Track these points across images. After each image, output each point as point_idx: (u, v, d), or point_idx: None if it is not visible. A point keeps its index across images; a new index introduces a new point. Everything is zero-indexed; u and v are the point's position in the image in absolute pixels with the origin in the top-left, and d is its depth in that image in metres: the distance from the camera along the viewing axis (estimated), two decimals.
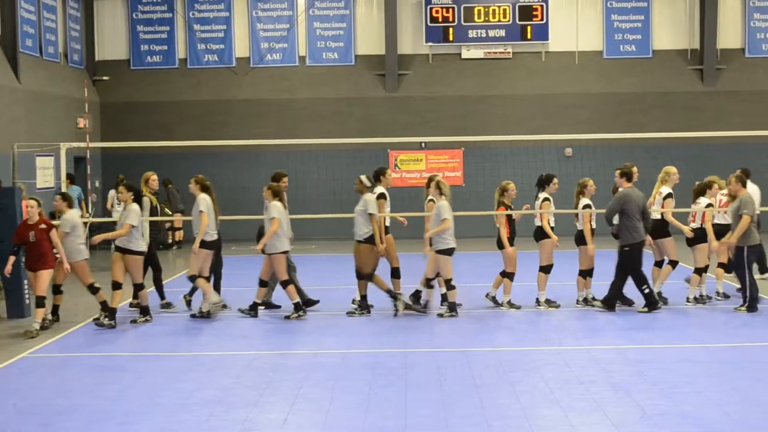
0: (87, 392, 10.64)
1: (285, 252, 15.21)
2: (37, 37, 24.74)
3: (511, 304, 15.57)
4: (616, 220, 15.24)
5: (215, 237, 15.34)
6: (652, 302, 15.02)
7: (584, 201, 15.69)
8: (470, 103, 28.52)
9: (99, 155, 27.71)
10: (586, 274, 15.70)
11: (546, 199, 15.60)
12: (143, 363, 12.08)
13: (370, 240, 14.99)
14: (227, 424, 9.22)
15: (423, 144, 27.79)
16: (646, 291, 15.03)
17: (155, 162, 27.19)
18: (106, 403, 10.07)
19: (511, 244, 15.48)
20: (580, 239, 15.54)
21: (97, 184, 27.14)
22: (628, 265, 15.03)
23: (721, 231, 15.89)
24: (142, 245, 14.87)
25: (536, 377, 10.90)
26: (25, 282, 15.59)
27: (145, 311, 14.96)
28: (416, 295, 15.60)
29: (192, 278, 15.17)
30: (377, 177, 15.85)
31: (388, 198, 15.66)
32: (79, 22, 27.80)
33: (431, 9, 28.25)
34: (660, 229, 15.75)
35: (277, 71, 28.80)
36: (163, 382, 10.98)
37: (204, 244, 15.06)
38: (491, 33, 28.41)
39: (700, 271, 15.92)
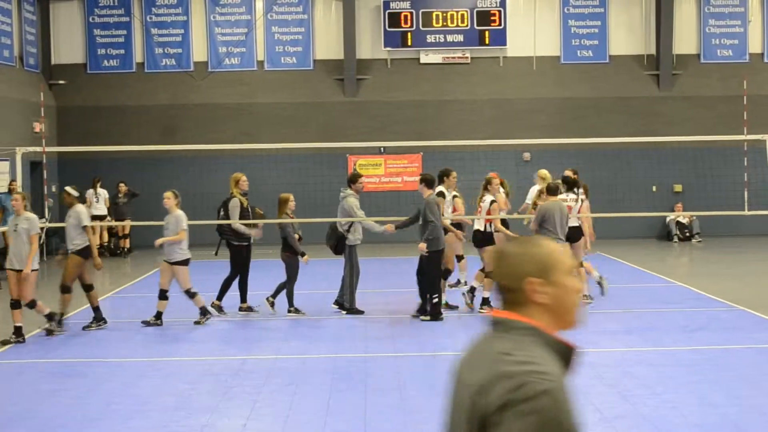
0: (43, 399, 10.52)
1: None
2: None
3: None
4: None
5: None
6: (436, 313, 14.89)
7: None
8: (429, 108, 28.58)
9: (55, 160, 27.45)
10: None
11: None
12: (100, 369, 11.98)
13: (83, 252, 14.50)
14: (186, 430, 9.16)
15: (382, 149, 27.80)
16: (435, 300, 14.90)
17: (112, 167, 27.06)
18: (61, 410, 9.97)
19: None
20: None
21: (53, 189, 26.87)
22: (427, 271, 14.96)
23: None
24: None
25: None
26: None
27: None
28: (472, 291, 15.75)
29: (189, 293, 14.96)
30: (441, 177, 15.86)
31: (446, 198, 15.61)
32: (34, 26, 27.54)
33: (390, 14, 28.29)
34: (575, 234, 15.81)
35: (235, 75, 28.69)
36: (121, 388, 10.88)
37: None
38: (449, 38, 28.49)
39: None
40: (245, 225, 15.97)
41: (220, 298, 15.89)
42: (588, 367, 11.51)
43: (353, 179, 16.02)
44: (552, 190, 15.20)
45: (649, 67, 28.99)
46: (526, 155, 28.02)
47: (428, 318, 14.87)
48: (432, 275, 14.87)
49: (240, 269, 15.97)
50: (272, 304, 15.76)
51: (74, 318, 15.89)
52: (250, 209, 16.07)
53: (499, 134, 27.40)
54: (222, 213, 16.19)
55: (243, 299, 15.92)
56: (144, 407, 9.99)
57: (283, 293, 15.72)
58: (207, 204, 26.89)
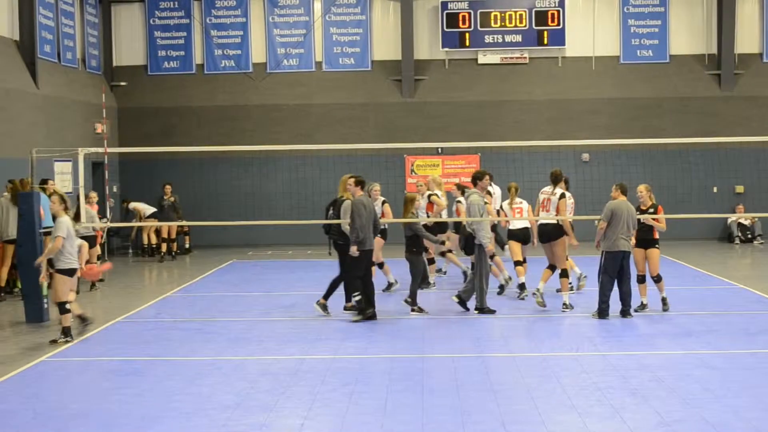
0: (104, 396, 10.66)
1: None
2: (56, 42, 24.85)
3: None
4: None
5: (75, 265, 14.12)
6: (362, 309, 15.01)
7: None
8: (487, 109, 28.50)
9: (116, 160, 27.83)
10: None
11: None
12: (161, 367, 12.10)
13: None
14: (244, 429, 9.22)
15: (440, 149, 27.79)
16: (357, 298, 15.03)
17: (172, 167, 27.37)
18: (122, 408, 10.09)
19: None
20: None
21: (114, 189, 27.24)
22: (350, 271, 15.07)
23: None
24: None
25: (553, 383, 10.86)
26: (45, 286, 15.64)
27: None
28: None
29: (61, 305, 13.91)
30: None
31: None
32: (96, 28, 27.92)
33: (448, 14, 28.25)
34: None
35: (294, 77, 28.84)
36: (180, 386, 10.99)
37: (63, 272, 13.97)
38: (507, 38, 28.39)
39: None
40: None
41: (326, 297, 15.80)
42: (647, 369, 11.41)
43: (479, 177, 15.95)
44: (623, 189, 15.20)
45: (710, 67, 28.63)
46: (585, 156, 27.83)
47: (359, 318, 14.99)
48: (353, 274, 15.01)
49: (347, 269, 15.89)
50: (420, 310, 15.68)
51: (136, 316, 16.10)
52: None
53: (557, 135, 27.26)
54: (331, 212, 16.22)
55: (348, 299, 15.89)
56: (203, 406, 10.08)
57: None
58: (266, 204, 27.15)
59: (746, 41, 28.59)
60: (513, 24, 28.30)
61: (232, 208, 27.19)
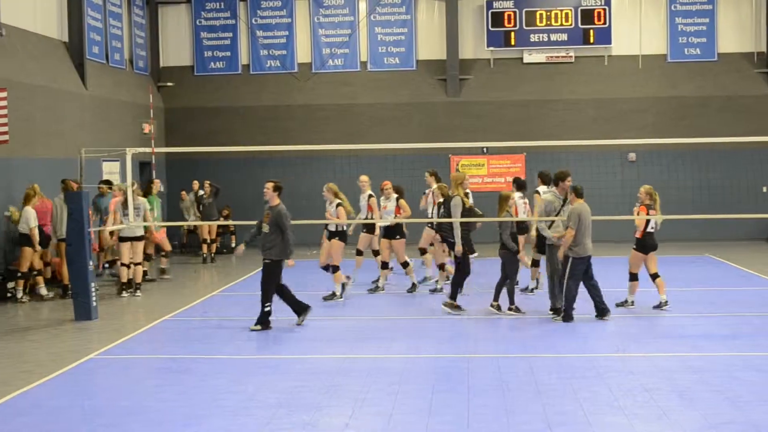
0: (151, 394, 10.76)
1: None
2: (104, 44, 25.12)
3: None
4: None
5: None
6: (264, 322, 14.60)
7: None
8: (532, 108, 28.39)
9: (163, 160, 28.07)
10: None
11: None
12: (207, 365, 12.19)
13: None
14: (289, 427, 9.27)
15: (485, 149, 27.73)
16: (267, 309, 14.63)
17: (218, 167, 27.54)
18: (169, 405, 10.18)
19: None
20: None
21: (162, 188, 27.46)
22: (266, 279, 14.75)
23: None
24: None
25: (600, 384, 10.80)
26: (93, 285, 15.82)
27: None
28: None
29: None
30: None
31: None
32: (144, 29, 28.19)
33: (493, 13, 28.19)
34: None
35: (339, 76, 28.92)
36: (226, 384, 11.06)
37: None
38: (553, 37, 28.26)
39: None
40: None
41: (453, 298, 15.70)
42: (694, 371, 11.32)
43: (562, 177, 15.83)
44: (577, 193, 15.02)
45: (759, 65, 28.31)
46: (632, 156, 27.63)
47: (258, 327, 14.59)
48: (268, 283, 14.74)
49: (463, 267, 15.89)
50: (498, 308, 15.60)
51: (183, 315, 16.23)
52: (472, 209, 16.03)
53: (603, 134, 27.09)
54: (442, 211, 16.27)
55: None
56: (249, 404, 10.15)
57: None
58: (311, 203, 27.20)
59: None
60: (559, 23, 28.17)
61: None
